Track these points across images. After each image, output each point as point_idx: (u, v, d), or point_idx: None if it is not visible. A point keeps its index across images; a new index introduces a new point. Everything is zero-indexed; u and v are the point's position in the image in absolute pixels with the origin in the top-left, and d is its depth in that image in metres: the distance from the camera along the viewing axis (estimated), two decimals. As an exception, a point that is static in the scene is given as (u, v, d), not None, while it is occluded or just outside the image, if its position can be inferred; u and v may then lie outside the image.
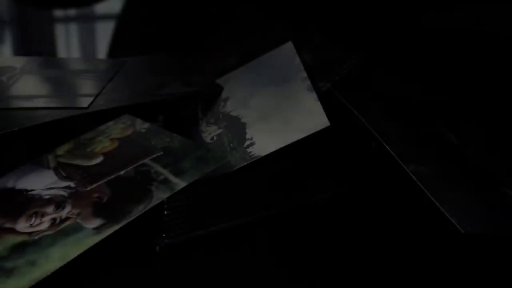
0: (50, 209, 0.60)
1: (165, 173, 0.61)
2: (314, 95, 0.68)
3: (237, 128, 0.70)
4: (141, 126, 0.69)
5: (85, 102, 0.74)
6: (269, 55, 0.78)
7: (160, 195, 0.59)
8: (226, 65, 0.86)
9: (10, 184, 0.65)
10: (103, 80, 0.80)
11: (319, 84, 0.72)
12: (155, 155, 0.64)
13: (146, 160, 0.63)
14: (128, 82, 0.80)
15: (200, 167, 0.61)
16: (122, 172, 0.62)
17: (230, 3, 1.10)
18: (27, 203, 0.61)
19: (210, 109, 0.75)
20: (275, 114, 0.69)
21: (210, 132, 0.71)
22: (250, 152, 0.65)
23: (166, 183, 0.60)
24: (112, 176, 0.62)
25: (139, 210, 0.58)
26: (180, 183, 0.59)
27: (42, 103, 0.74)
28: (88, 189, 0.61)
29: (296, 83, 0.71)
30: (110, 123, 0.70)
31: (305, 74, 0.71)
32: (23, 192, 0.63)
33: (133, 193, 0.60)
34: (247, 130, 0.68)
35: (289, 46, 0.77)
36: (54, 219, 0.59)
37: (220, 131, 0.71)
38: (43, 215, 0.59)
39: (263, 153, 0.64)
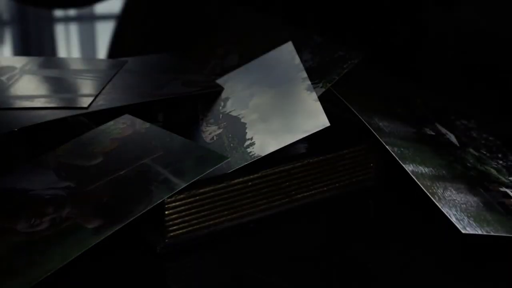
0: (50, 209, 0.60)
1: (165, 173, 0.61)
2: (314, 95, 0.68)
3: (237, 128, 0.69)
4: (141, 126, 0.68)
5: (85, 102, 0.74)
6: (269, 55, 0.78)
7: (160, 195, 0.59)
8: (226, 65, 0.86)
9: (10, 184, 0.64)
10: (103, 80, 0.80)
11: (319, 84, 0.72)
12: (155, 155, 0.64)
13: (146, 160, 0.63)
14: (128, 82, 0.80)
15: (200, 167, 0.61)
16: (122, 172, 0.62)
17: (230, 3, 1.10)
18: (27, 203, 0.61)
19: (210, 109, 0.75)
20: (275, 114, 0.68)
21: (210, 132, 0.71)
22: (250, 152, 0.65)
23: (166, 183, 0.60)
24: (112, 176, 0.62)
25: (139, 210, 0.58)
26: (180, 183, 0.59)
27: (42, 103, 0.74)
28: (88, 189, 0.61)
29: (296, 83, 0.71)
30: (110, 123, 0.70)
31: (305, 74, 0.71)
32: (23, 192, 0.63)
33: (133, 193, 0.60)
34: (247, 130, 0.68)
35: (289, 46, 0.77)
36: (54, 219, 0.59)
37: (220, 131, 0.71)
38: (43, 215, 0.59)
39: (263, 153, 0.64)
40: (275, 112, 0.69)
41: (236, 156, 0.66)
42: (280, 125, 0.67)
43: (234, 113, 0.72)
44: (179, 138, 0.66)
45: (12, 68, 0.83)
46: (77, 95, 0.76)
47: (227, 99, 0.75)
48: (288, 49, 0.77)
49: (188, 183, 0.60)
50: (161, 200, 0.59)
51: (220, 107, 0.75)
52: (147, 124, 0.69)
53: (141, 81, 0.81)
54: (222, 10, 1.09)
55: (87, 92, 0.77)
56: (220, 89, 0.78)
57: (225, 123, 0.71)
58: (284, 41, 0.79)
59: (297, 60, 0.74)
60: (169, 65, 0.87)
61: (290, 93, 0.71)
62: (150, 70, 0.85)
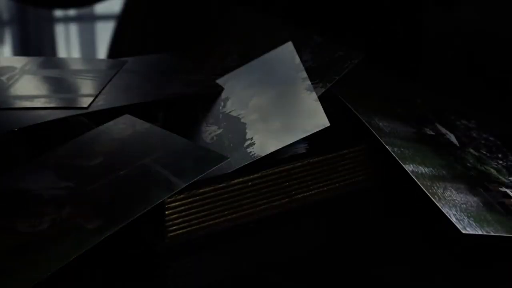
0: (50, 209, 0.60)
1: (165, 173, 0.61)
2: (314, 95, 0.68)
3: (237, 128, 0.69)
4: (141, 126, 0.68)
5: (85, 102, 0.74)
6: (269, 55, 0.78)
7: (160, 195, 0.59)
8: (226, 65, 0.85)
9: (10, 184, 0.64)
10: (103, 80, 0.79)
11: (319, 84, 0.72)
12: (155, 155, 0.63)
13: (146, 160, 0.63)
14: (128, 82, 0.80)
15: (200, 167, 0.61)
16: (122, 172, 0.62)
17: (230, 3, 1.10)
18: (27, 203, 0.61)
19: (210, 109, 0.75)
20: (275, 114, 0.68)
21: (210, 132, 0.71)
22: (250, 152, 0.65)
23: (166, 183, 0.60)
24: (112, 176, 0.62)
25: (139, 210, 0.57)
26: (180, 183, 0.59)
27: (42, 103, 0.74)
28: (88, 189, 0.61)
29: (296, 83, 0.71)
30: (110, 123, 0.70)
31: (305, 74, 0.71)
32: (24, 192, 0.63)
33: (133, 193, 0.60)
34: (247, 130, 0.68)
35: (289, 46, 0.77)
36: (54, 219, 0.59)
37: (220, 131, 0.71)
38: (43, 215, 0.59)
39: (263, 153, 0.64)
40: (275, 112, 0.69)
41: (236, 156, 0.66)
42: (280, 125, 0.67)
43: (234, 113, 0.72)
44: (179, 138, 0.65)
45: (12, 68, 0.83)
46: (77, 95, 0.76)
47: (227, 99, 0.75)
48: (288, 49, 0.77)
49: (188, 183, 0.60)
50: (161, 200, 0.59)
51: (220, 107, 0.74)
52: (147, 124, 0.69)
53: (141, 81, 0.81)
54: (222, 10, 1.09)
55: (87, 92, 0.77)
56: (220, 89, 0.78)
57: (225, 123, 0.71)
58: (284, 41, 0.79)
59: (297, 60, 0.74)
60: (169, 65, 0.87)
61: (290, 93, 0.71)
62: (150, 70, 0.85)
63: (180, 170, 0.61)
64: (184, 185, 0.59)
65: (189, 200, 0.62)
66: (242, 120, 0.70)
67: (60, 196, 0.61)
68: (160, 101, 0.76)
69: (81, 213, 0.59)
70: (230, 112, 0.73)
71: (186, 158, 0.62)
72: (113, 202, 0.59)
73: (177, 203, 0.62)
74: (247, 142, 0.67)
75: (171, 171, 0.61)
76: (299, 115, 0.67)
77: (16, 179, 0.65)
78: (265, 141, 0.66)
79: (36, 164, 0.66)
